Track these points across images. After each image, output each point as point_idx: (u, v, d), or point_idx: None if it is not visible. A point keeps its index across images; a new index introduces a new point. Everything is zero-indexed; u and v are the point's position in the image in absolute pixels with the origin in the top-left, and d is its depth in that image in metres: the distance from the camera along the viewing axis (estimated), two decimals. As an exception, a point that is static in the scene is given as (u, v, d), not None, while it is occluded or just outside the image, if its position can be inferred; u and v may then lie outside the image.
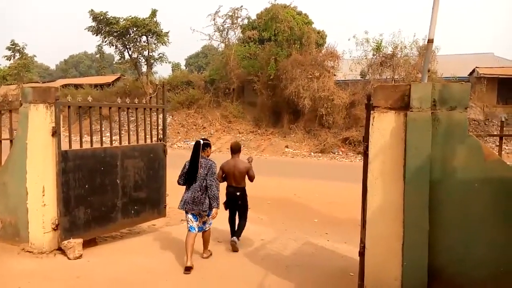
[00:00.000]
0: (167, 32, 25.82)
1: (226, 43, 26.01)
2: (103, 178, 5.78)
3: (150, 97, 20.45)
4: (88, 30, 25.63)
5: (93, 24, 25.23)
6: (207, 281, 4.78)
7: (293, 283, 4.70)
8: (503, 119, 3.96)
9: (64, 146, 5.39)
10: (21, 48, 31.71)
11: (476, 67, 22.04)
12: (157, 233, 6.67)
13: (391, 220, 3.73)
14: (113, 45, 26.04)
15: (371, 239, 3.87)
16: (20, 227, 5.39)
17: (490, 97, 21.21)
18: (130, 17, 24.63)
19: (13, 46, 31.51)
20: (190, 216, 5.17)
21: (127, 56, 26.52)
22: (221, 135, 23.16)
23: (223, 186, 5.79)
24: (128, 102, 6.46)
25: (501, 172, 3.46)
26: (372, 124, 3.85)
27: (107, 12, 24.75)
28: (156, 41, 25.80)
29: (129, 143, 6.43)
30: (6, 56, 31.54)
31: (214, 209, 5.06)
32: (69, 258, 5.19)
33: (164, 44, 25.83)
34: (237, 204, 6.05)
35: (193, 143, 5.35)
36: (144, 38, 25.59)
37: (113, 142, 6.29)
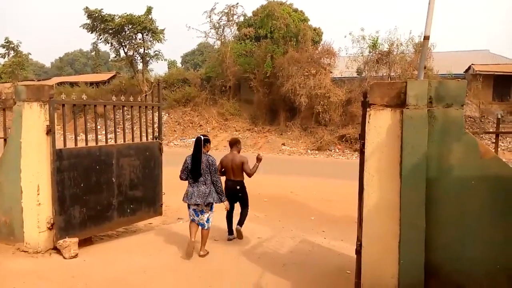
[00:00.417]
0: (163, 30, 25.75)
1: (222, 40, 25.92)
2: (99, 177, 5.74)
3: (146, 95, 20.33)
4: (83, 28, 25.48)
5: (88, 21, 25.09)
6: (203, 280, 4.76)
7: (290, 281, 4.70)
8: (499, 116, 3.95)
9: (59, 145, 5.34)
10: (15, 46, 31.55)
11: (472, 64, 22.09)
12: (154, 232, 6.65)
13: (387, 218, 3.73)
14: (108, 43, 25.92)
15: (368, 237, 3.87)
16: (15, 227, 5.34)
17: (485, 94, 21.28)
18: (126, 15, 24.49)
19: (7, 44, 31.33)
20: (192, 211, 5.45)
21: (122, 54, 26.43)
22: (217, 133, 23.11)
23: (222, 180, 5.87)
24: (123, 100, 6.42)
25: (498, 170, 3.46)
26: (368, 122, 3.83)
27: (102, 9, 24.64)
28: (151, 39, 25.71)
29: (124, 141, 6.40)
30: (0, 54, 31.36)
31: (226, 203, 5.63)
32: (64, 258, 5.15)
33: (159, 41, 25.77)
34: (238, 197, 6.22)
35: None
36: (139, 35, 25.48)
37: (109, 140, 6.23)
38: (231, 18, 25.47)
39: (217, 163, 5.65)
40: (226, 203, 5.67)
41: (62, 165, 5.28)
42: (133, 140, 6.55)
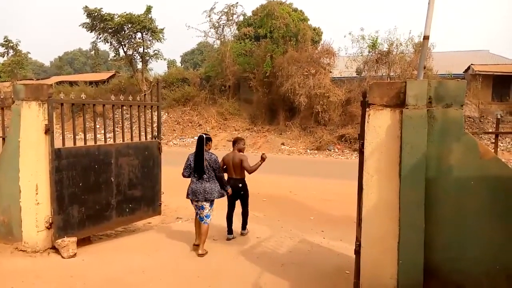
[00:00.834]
0: (162, 29, 25.72)
1: (222, 40, 25.89)
2: (97, 176, 5.73)
3: (145, 94, 20.30)
4: (83, 27, 25.46)
5: (88, 20, 25.06)
6: (202, 280, 4.75)
7: (288, 281, 4.69)
8: (499, 117, 3.95)
9: (58, 144, 5.33)
10: (14, 45, 31.51)
11: (472, 64, 22.08)
12: (152, 231, 6.64)
13: (386, 218, 3.72)
14: (108, 42, 25.89)
15: (367, 237, 3.86)
16: (13, 226, 5.33)
17: (485, 94, 21.28)
18: (125, 14, 24.47)
19: (6, 43, 31.28)
20: (194, 206, 5.66)
21: (122, 53, 26.39)
22: (217, 132, 23.09)
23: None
24: (122, 99, 6.41)
25: (497, 170, 3.45)
26: (367, 122, 3.82)
27: (101, 8, 24.60)
28: (151, 38, 25.68)
29: (123, 140, 6.38)
30: (-1, 53, 31.29)
31: (229, 189, 5.89)
32: (63, 257, 5.14)
33: (159, 40, 25.74)
34: (240, 194, 6.30)
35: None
36: (139, 34, 25.47)
37: (108, 139, 6.22)
38: (231, 18, 25.45)
39: (220, 161, 5.88)
40: (229, 190, 5.92)
41: (60, 165, 5.27)
42: (132, 140, 6.53)
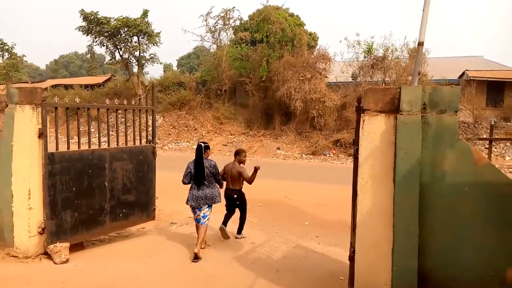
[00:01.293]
0: (159, 33, 25.68)
1: (218, 44, 25.92)
2: (91, 181, 5.69)
3: (140, 99, 20.28)
4: (79, 30, 25.37)
5: (84, 24, 24.98)
6: (196, 285, 4.72)
7: (282, 287, 4.66)
8: (493, 123, 3.95)
9: (51, 148, 5.28)
10: (10, 47, 31.34)
11: (466, 70, 22.26)
12: (146, 237, 6.60)
13: (381, 224, 3.71)
14: (104, 45, 25.79)
15: (361, 243, 3.85)
16: (5, 231, 5.26)
17: (479, 99, 21.44)
18: (121, 17, 24.42)
19: (1, 46, 31.11)
20: (192, 210, 5.83)
21: (118, 57, 26.30)
22: (212, 137, 23.06)
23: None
24: (117, 103, 6.38)
25: (491, 176, 3.46)
26: (362, 127, 3.83)
27: (98, 12, 24.53)
28: (147, 42, 25.62)
29: (117, 144, 6.35)
30: (-5, 56, 31.12)
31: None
32: (55, 263, 5.09)
33: (155, 44, 25.66)
34: (236, 204, 6.49)
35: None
36: (135, 38, 25.40)
37: (102, 143, 6.19)
38: (227, 22, 25.50)
39: (220, 167, 6.08)
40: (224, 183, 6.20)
41: (54, 169, 5.22)
42: (126, 144, 6.50)
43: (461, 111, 20.08)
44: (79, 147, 5.84)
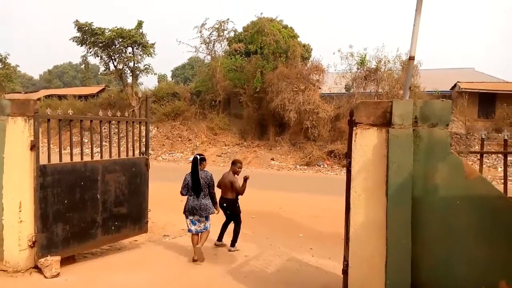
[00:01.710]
0: (153, 44, 25.74)
1: (213, 55, 26.04)
2: (83, 193, 5.64)
3: (133, 110, 20.22)
4: (73, 41, 25.37)
5: (78, 34, 24.99)
6: (188, 300, 4.66)
7: (276, 301, 4.62)
8: (483, 136, 4.00)
9: (43, 159, 5.24)
10: (3, 57, 31.20)
11: (458, 81, 22.51)
12: (139, 250, 6.53)
13: (374, 237, 3.71)
14: (98, 56, 25.78)
15: (354, 257, 3.84)
16: (-5, 245, 5.19)
17: (471, 111, 21.66)
18: (116, 28, 24.47)
19: (-5, 56, 30.96)
20: (189, 221, 5.96)
21: (112, 67, 26.29)
22: (206, 147, 23.03)
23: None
24: (110, 115, 6.36)
25: (482, 190, 3.48)
26: (354, 141, 3.84)
27: (92, 22, 24.60)
28: (141, 53, 25.67)
29: (110, 156, 6.32)
30: (-12, 66, 30.96)
31: (215, 210, 6.15)
32: (45, 277, 5.01)
33: (150, 55, 25.72)
34: (226, 214, 6.63)
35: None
36: (129, 49, 25.43)
37: (95, 154, 6.15)
38: (222, 34, 25.64)
39: (214, 178, 6.18)
40: (217, 210, 6.24)
41: (45, 181, 5.18)
42: (119, 155, 6.47)
43: (453, 122, 20.27)
44: (71, 158, 5.81)
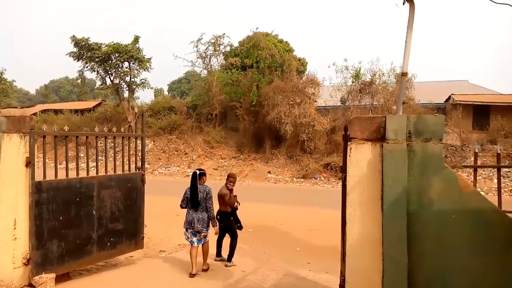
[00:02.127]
0: (150, 58, 25.89)
1: (209, 69, 26.21)
2: (79, 210, 5.61)
3: (129, 126, 20.21)
4: (70, 56, 25.48)
5: (75, 49, 25.12)
6: (184, 317, 4.62)
7: (273, 317, 4.59)
8: (477, 151, 4.04)
9: (39, 175, 5.22)
10: (0, 73, 31.26)
11: (452, 94, 22.72)
12: (134, 266, 6.48)
13: (370, 252, 3.71)
14: (94, 71, 25.87)
15: (351, 272, 3.83)
16: (-11, 263, 5.14)
17: (466, 123, 21.81)
18: (112, 43, 24.64)
19: (-9, 72, 31.01)
20: (189, 234, 6.07)
21: (108, 82, 26.36)
22: (203, 161, 23.00)
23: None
24: (106, 129, 6.38)
25: (477, 204, 3.50)
26: (349, 155, 3.87)
27: (89, 38, 24.75)
28: (138, 67, 25.78)
29: (106, 171, 6.30)
30: (-16, 81, 30.98)
31: (215, 228, 6.22)
32: (40, 295, 4.95)
33: (146, 70, 25.85)
34: (221, 226, 6.58)
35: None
36: (126, 64, 25.56)
37: (91, 169, 6.14)
38: (218, 48, 25.87)
39: (213, 191, 6.29)
40: (216, 228, 6.26)
41: (41, 198, 5.16)
42: (115, 170, 6.46)
43: (448, 134, 20.39)
44: (67, 173, 5.78)
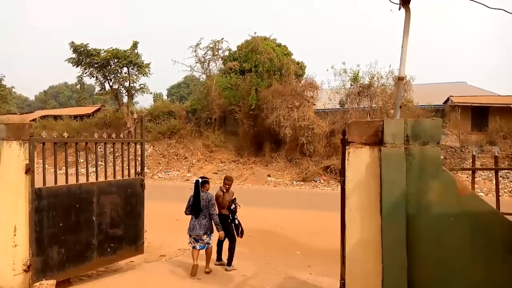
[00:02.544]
0: (149, 64, 25.92)
1: (208, 74, 26.26)
2: (79, 216, 5.62)
3: (129, 131, 20.25)
4: (69, 62, 25.51)
5: (74, 55, 25.16)
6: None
7: (274, 321, 4.59)
8: (475, 153, 4.07)
9: (38, 182, 5.23)
10: (-1, 79, 31.32)
11: (450, 95, 22.77)
12: (135, 271, 6.48)
13: (369, 255, 3.72)
14: (93, 76, 25.90)
15: (351, 275, 3.84)
16: (-11, 270, 5.14)
17: (464, 124, 21.83)
18: (111, 49, 24.68)
19: (-10, 78, 31.07)
20: (192, 239, 6.31)
21: (107, 87, 26.38)
22: (202, 165, 23.02)
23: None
24: (107, 134, 6.40)
25: (475, 207, 3.52)
26: (347, 159, 3.89)
27: (88, 44, 24.80)
28: (137, 72, 25.82)
29: (106, 176, 6.32)
30: (-17, 87, 31.04)
31: (220, 232, 6.36)
32: (40, 302, 4.95)
33: (145, 75, 25.89)
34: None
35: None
36: (125, 69, 25.59)
37: (91, 174, 6.16)
38: (216, 53, 25.90)
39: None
40: (221, 233, 6.38)
41: (41, 205, 5.17)
42: (115, 176, 6.47)
43: (447, 136, 20.42)
44: (66, 179, 5.79)
